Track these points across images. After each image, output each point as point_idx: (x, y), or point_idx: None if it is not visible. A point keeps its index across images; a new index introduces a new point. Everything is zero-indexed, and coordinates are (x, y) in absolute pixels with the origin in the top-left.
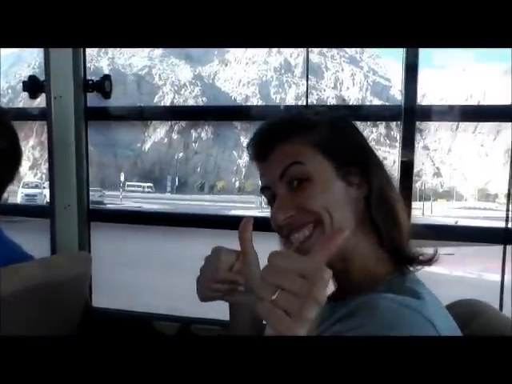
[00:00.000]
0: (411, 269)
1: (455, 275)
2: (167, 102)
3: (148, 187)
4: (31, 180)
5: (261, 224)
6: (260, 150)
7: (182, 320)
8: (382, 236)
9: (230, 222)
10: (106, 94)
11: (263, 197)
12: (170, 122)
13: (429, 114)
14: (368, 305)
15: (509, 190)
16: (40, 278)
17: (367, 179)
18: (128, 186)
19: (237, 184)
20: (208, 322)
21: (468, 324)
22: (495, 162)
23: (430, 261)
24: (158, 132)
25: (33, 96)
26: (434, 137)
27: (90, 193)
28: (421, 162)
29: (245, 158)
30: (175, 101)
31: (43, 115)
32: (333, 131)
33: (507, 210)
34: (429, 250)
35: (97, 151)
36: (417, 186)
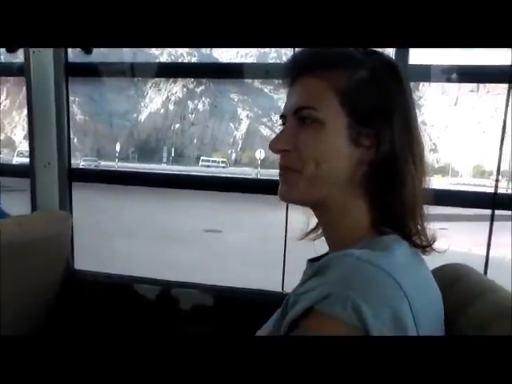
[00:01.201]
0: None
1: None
2: None
3: (222, 162)
4: (26, 149)
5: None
6: (288, 74)
7: (162, 283)
8: (378, 206)
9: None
10: (88, 49)
11: (259, 168)
12: (166, 93)
13: (422, 73)
14: (333, 262)
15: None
16: (15, 235)
17: (378, 144)
18: (203, 161)
19: (233, 156)
20: (188, 286)
21: (454, 285)
22: (492, 140)
23: (425, 247)
24: (155, 102)
25: (10, 50)
26: (432, 112)
27: (85, 162)
28: None
29: (241, 131)
30: None
31: (21, 71)
32: (363, 80)
33: (496, 179)
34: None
35: (92, 121)
36: None
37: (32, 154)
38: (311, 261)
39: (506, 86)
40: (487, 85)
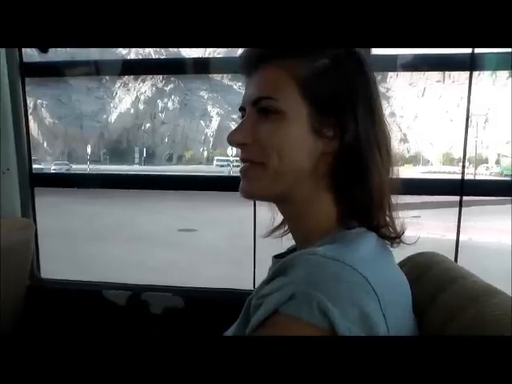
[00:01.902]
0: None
1: (420, 236)
2: None
3: (237, 161)
4: None
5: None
6: (245, 64)
7: (132, 288)
8: (344, 198)
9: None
10: (44, 48)
11: (232, 166)
12: (135, 93)
13: (383, 63)
14: (296, 261)
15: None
16: None
17: (341, 135)
18: (218, 160)
19: (205, 154)
20: (158, 289)
21: (425, 274)
22: (459, 127)
23: (394, 238)
24: (124, 102)
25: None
26: (401, 103)
27: (56, 167)
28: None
29: (212, 128)
30: None
31: None
32: (324, 69)
33: (463, 166)
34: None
35: (62, 124)
36: None
37: None
38: (277, 257)
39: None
40: (452, 75)
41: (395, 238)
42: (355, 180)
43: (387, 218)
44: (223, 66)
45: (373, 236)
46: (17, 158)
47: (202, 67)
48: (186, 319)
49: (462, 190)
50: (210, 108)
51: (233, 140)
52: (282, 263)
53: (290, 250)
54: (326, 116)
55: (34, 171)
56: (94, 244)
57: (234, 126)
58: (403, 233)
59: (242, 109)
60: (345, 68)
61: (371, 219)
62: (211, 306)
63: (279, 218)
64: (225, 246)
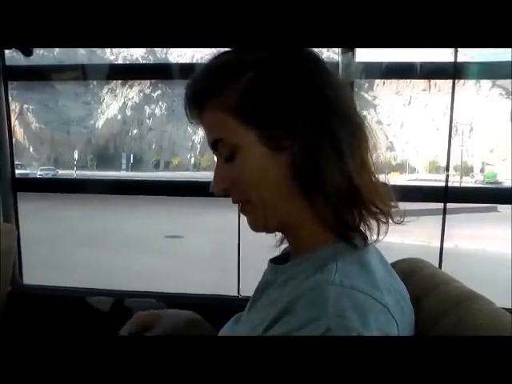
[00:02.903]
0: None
1: (406, 243)
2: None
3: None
4: None
5: None
6: (190, 114)
7: (115, 294)
8: (322, 206)
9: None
10: (27, 51)
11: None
12: (123, 99)
13: (369, 71)
14: (317, 292)
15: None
16: None
17: (291, 142)
18: (41, 170)
19: (192, 160)
20: (141, 295)
21: (408, 280)
22: (445, 136)
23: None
24: (111, 108)
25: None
26: (387, 111)
27: (42, 172)
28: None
29: (200, 134)
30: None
31: None
32: (248, 87)
33: (447, 174)
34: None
35: (49, 129)
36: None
37: None
38: (273, 261)
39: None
40: (438, 84)
41: (384, 222)
42: (321, 185)
43: (362, 222)
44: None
45: (372, 248)
46: None
47: (188, 73)
48: None
49: (446, 197)
50: None
51: (215, 191)
52: (294, 296)
53: (285, 254)
54: (270, 130)
55: (18, 176)
56: (79, 250)
57: None
58: (383, 232)
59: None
60: (271, 77)
61: (352, 220)
62: (196, 312)
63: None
64: (210, 252)
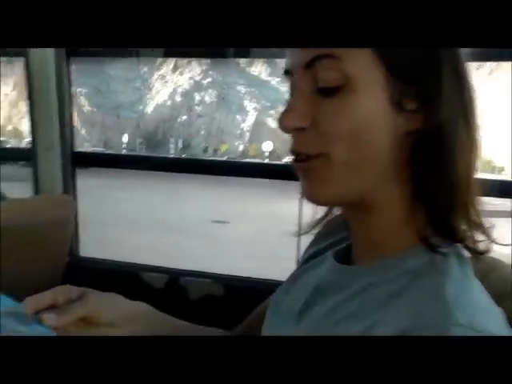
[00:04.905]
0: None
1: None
2: None
3: None
4: None
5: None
6: None
7: (170, 272)
8: (420, 192)
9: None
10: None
11: (267, 161)
12: (173, 85)
13: None
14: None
15: None
16: (16, 218)
17: (428, 108)
18: None
19: (240, 148)
20: (197, 275)
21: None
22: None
23: (479, 253)
24: (161, 95)
25: None
26: None
27: (91, 151)
28: None
29: (248, 123)
30: None
31: (20, 51)
32: None
33: None
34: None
35: (100, 112)
36: None
37: (34, 136)
38: (336, 259)
39: None
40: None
41: (480, 253)
42: (438, 170)
43: (471, 225)
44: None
45: (468, 265)
46: (60, 137)
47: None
48: (225, 308)
49: None
50: (246, 103)
51: (286, 124)
52: (403, 327)
53: (345, 249)
54: (407, 83)
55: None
56: (128, 228)
57: (270, 121)
58: (490, 248)
59: (287, 72)
60: None
61: (452, 228)
62: (251, 296)
63: (322, 210)
64: (255, 239)
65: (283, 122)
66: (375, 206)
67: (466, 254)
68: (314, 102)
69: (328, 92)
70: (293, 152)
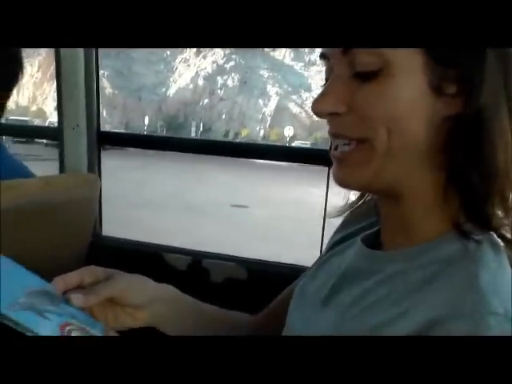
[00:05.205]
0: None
1: None
2: None
3: None
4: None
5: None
6: None
7: (193, 254)
8: (455, 178)
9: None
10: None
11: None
12: (196, 69)
13: None
14: (475, 325)
15: None
16: (41, 194)
17: (469, 92)
18: None
19: (261, 133)
20: (221, 258)
21: None
22: None
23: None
24: (184, 78)
25: None
26: None
27: (117, 131)
28: None
29: (270, 107)
30: None
31: None
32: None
33: None
34: None
35: (121, 95)
36: None
37: (60, 115)
38: (365, 244)
39: None
40: None
41: None
42: (477, 158)
43: (508, 213)
44: None
45: (503, 253)
46: (86, 116)
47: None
48: (248, 291)
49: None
50: (269, 87)
51: (320, 108)
52: (434, 317)
53: (375, 234)
54: (446, 66)
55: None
56: (149, 209)
57: (292, 106)
58: None
59: (323, 56)
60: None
61: (487, 216)
62: (274, 280)
63: (354, 195)
64: (273, 224)
65: (318, 106)
66: (408, 192)
67: (501, 241)
68: (350, 87)
69: (365, 76)
70: (333, 135)
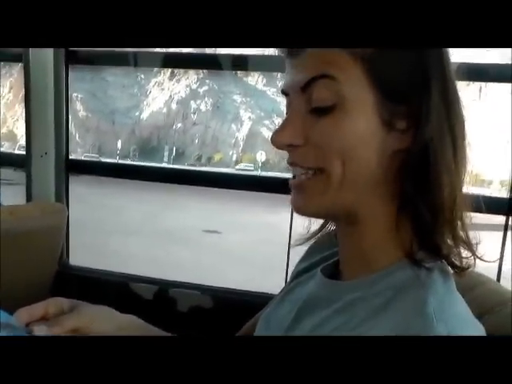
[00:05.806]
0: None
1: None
2: None
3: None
4: None
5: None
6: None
7: (159, 283)
8: (406, 209)
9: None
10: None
11: (259, 171)
12: (169, 93)
13: None
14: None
15: None
16: (5, 223)
17: (417, 127)
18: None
19: (234, 157)
20: (187, 286)
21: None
22: (491, 148)
23: (462, 269)
24: (157, 101)
25: None
26: None
27: (87, 159)
28: None
29: (243, 132)
30: None
31: (19, 57)
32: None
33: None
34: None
35: (95, 118)
36: None
37: (28, 143)
38: (325, 274)
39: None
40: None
41: (462, 268)
42: (425, 188)
43: (457, 242)
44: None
45: (451, 280)
46: (55, 143)
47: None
48: (213, 320)
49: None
50: (242, 112)
51: (278, 141)
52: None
53: (334, 264)
54: (397, 103)
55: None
56: (118, 237)
57: (265, 131)
58: (471, 265)
59: (283, 92)
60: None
61: (437, 245)
62: (240, 309)
63: (316, 224)
64: (247, 249)
65: (277, 139)
66: (363, 221)
67: (451, 268)
68: (307, 122)
69: (322, 111)
70: (291, 164)
